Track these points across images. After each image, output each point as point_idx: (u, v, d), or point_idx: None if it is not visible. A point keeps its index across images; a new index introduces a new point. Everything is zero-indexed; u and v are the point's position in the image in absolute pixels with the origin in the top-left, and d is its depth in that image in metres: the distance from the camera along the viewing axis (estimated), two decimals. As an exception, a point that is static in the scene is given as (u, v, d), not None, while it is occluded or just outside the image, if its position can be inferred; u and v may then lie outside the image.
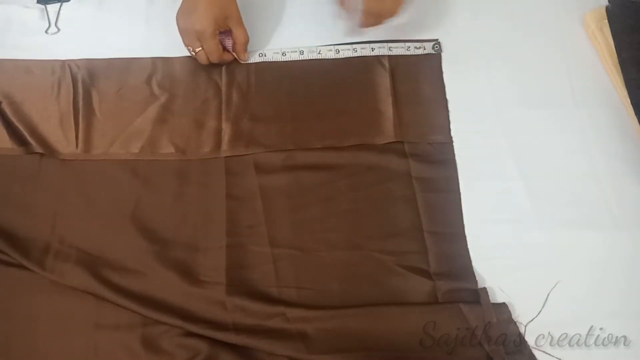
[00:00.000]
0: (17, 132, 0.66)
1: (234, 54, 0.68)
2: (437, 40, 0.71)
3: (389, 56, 0.70)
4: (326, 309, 0.56)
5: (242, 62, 0.69)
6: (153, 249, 0.59)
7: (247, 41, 0.68)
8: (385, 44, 0.70)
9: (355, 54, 0.70)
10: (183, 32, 0.66)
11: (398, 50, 0.70)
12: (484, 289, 0.56)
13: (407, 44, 0.70)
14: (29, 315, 0.57)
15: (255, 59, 0.70)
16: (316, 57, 0.70)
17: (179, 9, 0.66)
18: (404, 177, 0.63)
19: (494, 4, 0.74)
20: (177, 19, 0.66)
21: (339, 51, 0.70)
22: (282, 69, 0.70)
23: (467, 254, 0.59)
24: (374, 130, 0.66)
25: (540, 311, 0.56)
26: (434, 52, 0.70)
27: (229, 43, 0.68)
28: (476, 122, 0.66)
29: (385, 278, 0.58)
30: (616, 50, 0.67)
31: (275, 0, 0.75)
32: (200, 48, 0.65)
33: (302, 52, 0.70)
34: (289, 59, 0.70)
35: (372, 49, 0.70)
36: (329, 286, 0.58)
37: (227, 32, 0.67)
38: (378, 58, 0.70)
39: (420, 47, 0.70)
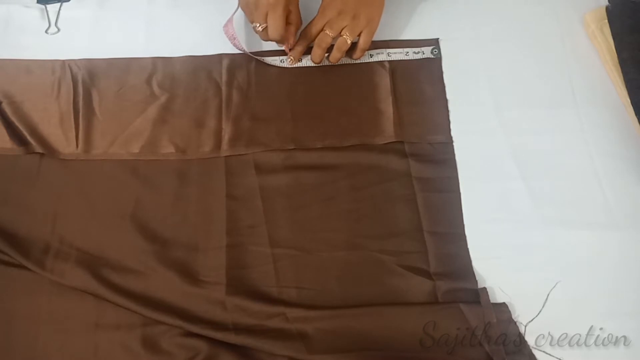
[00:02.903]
0: (17, 132, 0.66)
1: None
2: (436, 40, 0.71)
3: (389, 61, 0.70)
4: (326, 309, 0.56)
5: (289, 47, 0.68)
6: (153, 249, 0.59)
7: (299, 25, 0.68)
8: (384, 50, 0.70)
9: (354, 61, 0.69)
10: (253, 4, 0.63)
11: (397, 55, 0.70)
12: (484, 289, 0.56)
13: (406, 50, 0.70)
14: (29, 315, 0.57)
15: (253, 62, 0.70)
16: (313, 64, 0.69)
17: None
18: (404, 177, 0.63)
19: (494, 3, 0.73)
20: None
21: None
22: (282, 68, 0.70)
23: (467, 254, 0.59)
24: (374, 130, 0.66)
25: (540, 311, 0.56)
26: (432, 56, 0.70)
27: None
28: (476, 122, 0.66)
29: (385, 278, 0.58)
30: (616, 50, 0.66)
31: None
32: (266, 25, 0.64)
33: (300, 60, 0.69)
34: (286, 66, 0.69)
35: (371, 56, 0.70)
36: (329, 286, 0.58)
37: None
38: (378, 61, 0.70)
39: (419, 52, 0.70)
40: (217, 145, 0.65)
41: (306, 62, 0.69)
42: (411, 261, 0.59)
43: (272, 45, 0.71)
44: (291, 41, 0.68)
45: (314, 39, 0.67)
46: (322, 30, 0.66)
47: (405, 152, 0.64)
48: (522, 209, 0.61)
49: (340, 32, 0.66)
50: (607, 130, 0.65)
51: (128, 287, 0.57)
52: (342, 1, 0.65)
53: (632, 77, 0.64)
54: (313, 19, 0.67)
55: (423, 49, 0.70)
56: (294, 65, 0.69)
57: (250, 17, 0.65)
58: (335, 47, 0.67)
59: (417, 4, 0.74)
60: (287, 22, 0.66)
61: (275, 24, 0.63)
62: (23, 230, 0.61)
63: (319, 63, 0.69)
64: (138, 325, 0.56)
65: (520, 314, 0.55)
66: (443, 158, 0.64)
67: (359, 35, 0.67)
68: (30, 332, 0.56)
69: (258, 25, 0.64)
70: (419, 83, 0.69)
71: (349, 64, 0.70)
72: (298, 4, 0.66)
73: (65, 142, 0.65)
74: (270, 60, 0.70)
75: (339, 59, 0.68)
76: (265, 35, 0.66)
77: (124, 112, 0.67)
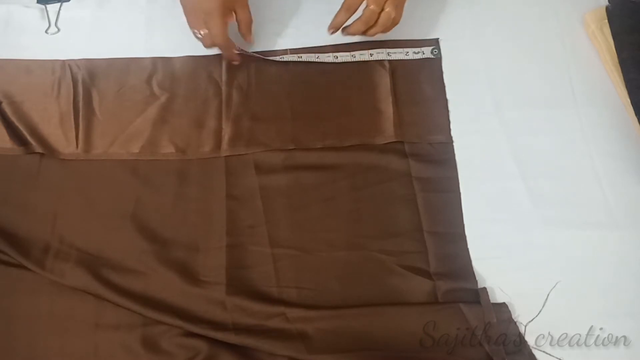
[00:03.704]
0: (17, 132, 0.66)
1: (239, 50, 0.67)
2: (436, 40, 0.71)
3: (389, 60, 0.70)
4: (326, 309, 0.56)
5: (249, 43, 0.68)
6: (153, 249, 0.59)
7: (250, 22, 0.66)
8: (384, 50, 0.70)
9: (354, 59, 0.69)
10: (189, 12, 0.63)
11: (397, 55, 0.70)
12: (484, 289, 0.56)
13: (406, 50, 0.70)
14: (29, 315, 0.57)
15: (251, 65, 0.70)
16: (314, 60, 0.69)
17: None
18: (404, 177, 0.63)
19: (494, 3, 0.73)
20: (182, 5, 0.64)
21: (337, 57, 0.69)
22: (283, 68, 0.70)
23: (467, 254, 0.59)
24: (374, 130, 0.66)
25: (540, 311, 0.56)
26: (432, 56, 0.70)
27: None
28: (476, 122, 0.66)
29: (385, 278, 0.58)
30: (616, 50, 0.66)
31: (275, 1, 0.75)
32: (206, 30, 0.63)
33: (300, 57, 0.69)
34: (287, 60, 0.69)
35: (371, 55, 0.69)
36: (329, 286, 0.58)
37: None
38: (378, 60, 0.70)
39: (419, 52, 0.70)
40: (217, 145, 0.65)
41: (307, 57, 0.69)
42: (411, 261, 0.59)
43: (271, 45, 0.71)
44: (247, 38, 0.68)
45: (355, 10, 0.64)
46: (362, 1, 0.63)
47: (405, 152, 0.64)
48: (522, 209, 0.61)
49: (383, 6, 0.63)
50: (607, 130, 0.65)
51: (128, 287, 0.57)
52: None
53: (632, 77, 0.64)
54: None
55: (423, 49, 0.70)
56: (299, 60, 0.69)
57: (190, 24, 0.65)
58: (379, 23, 0.64)
59: (417, 4, 0.74)
60: (237, 20, 0.66)
61: (215, 30, 0.63)
62: (23, 230, 0.61)
63: (354, 34, 0.66)
64: (138, 325, 0.56)
65: (520, 314, 0.55)
66: (443, 158, 0.64)
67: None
68: (31, 332, 0.56)
69: (197, 32, 0.64)
70: (419, 83, 0.69)
71: (349, 62, 0.69)
72: (244, 2, 0.65)
73: (65, 142, 0.66)
74: (271, 58, 0.69)
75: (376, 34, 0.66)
76: (208, 42, 0.65)
77: (124, 112, 0.67)
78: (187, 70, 0.70)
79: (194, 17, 0.63)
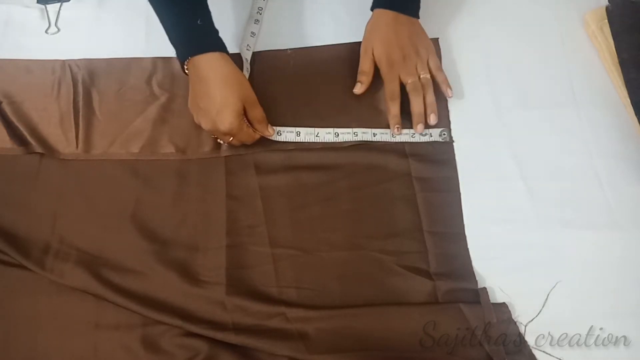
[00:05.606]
0: (17, 132, 0.66)
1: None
2: (436, 40, 0.71)
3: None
4: (326, 309, 0.56)
5: (269, 137, 0.64)
6: (153, 249, 0.59)
7: (264, 118, 0.63)
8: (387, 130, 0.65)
9: (356, 138, 0.64)
10: (210, 132, 0.62)
11: (403, 137, 0.65)
12: (484, 289, 0.56)
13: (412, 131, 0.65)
14: (29, 315, 0.57)
15: (252, 63, 0.70)
16: (313, 140, 0.65)
17: (190, 100, 0.62)
18: (404, 176, 0.63)
19: (494, 4, 0.73)
20: (195, 117, 0.62)
21: (338, 134, 0.65)
22: (282, 68, 0.70)
23: (467, 254, 0.59)
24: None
25: (540, 311, 0.55)
26: (440, 140, 0.65)
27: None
28: (476, 122, 0.66)
29: (385, 278, 0.58)
30: (616, 50, 0.66)
31: (275, 1, 0.75)
32: (232, 138, 0.61)
33: (298, 134, 0.65)
34: (285, 140, 0.65)
35: (374, 135, 0.65)
36: (329, 286, 0.58)
37: None
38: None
39: (426, 134, 0.65)
40: (217, 145, 0.65)
41: (314, 137, 0.65)
42: (411, 261, 0.59)
43: (271, 45, 0.71)
44: (267, 132, 0.63)
45: (398, 96, 0.64)
46: (399, 82, 0.64)
47: (405, 152, 0.64)
48: (522, 209, 0.61)
49: (417, 73, 0.64)
50: (607, 130, 0.65)
51: (128, 287, 0.57)
52: (398, 46, 0.64)
53: (632, 77, 0.64)
54: (384, 80, 0.65)
55: (432, 130, 0.65)
56: (304, 140, 0.65)
57: (214, 135, 0.64)
58: (426, 92, 0.64)
59: (417, 4, 0.74)
60: (249, 119, 0.62)
61: (244, 137, 0.61)
62: (23, 230, 0.61)
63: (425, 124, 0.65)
64: (138, 325, 0.56)
65: (520, 314, 0.55)
66: (443, 158, 0.64)
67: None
68: (31, 332, 0.56)
69: (224, 143, 0.64)
70: (419, 83, 0.69)
71: (350, 141, 0.65)
72: (255, 101, 0.62)
73: (65, 142, 0.66)
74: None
75: (435, 100, 0.65)
76: (237, 144, 0.63)
77: (124, 112, 0.67)
78: (187, 70, 0.70)
79: (217, 134, 0.62)
